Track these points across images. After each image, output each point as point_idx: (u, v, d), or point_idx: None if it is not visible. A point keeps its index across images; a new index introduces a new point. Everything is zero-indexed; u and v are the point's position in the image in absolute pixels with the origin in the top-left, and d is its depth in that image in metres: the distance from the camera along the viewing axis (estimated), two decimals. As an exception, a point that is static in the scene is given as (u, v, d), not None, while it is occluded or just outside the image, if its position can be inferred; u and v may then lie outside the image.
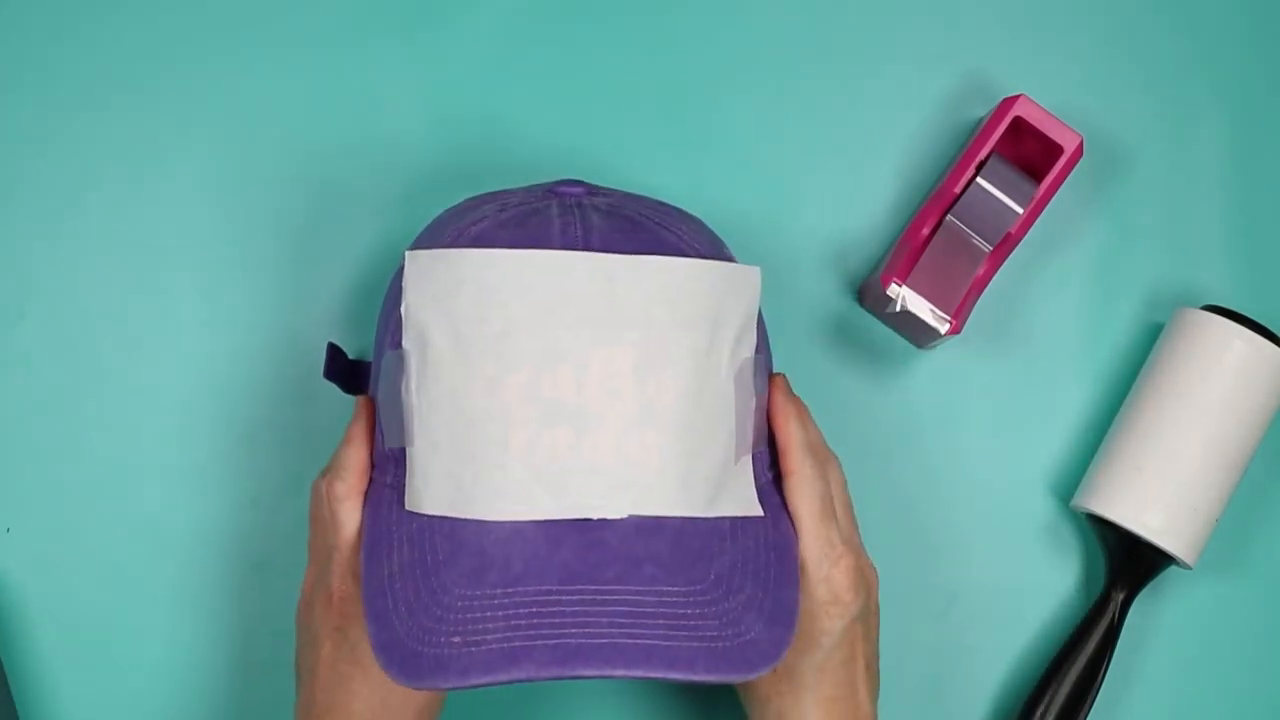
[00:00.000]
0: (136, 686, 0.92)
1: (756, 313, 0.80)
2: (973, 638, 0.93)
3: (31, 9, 0.96)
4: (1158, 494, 0.90)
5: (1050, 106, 0.96)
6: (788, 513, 0.80)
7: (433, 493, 0.76)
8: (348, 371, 0.90)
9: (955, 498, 0.94)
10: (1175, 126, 0.97)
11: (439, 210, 0.95)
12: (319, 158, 0.95)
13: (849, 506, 0.83)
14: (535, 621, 0.72)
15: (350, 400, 0.94)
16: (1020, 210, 0.90)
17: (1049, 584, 0.94)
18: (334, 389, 0.94)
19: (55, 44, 0.96)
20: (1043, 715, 0.90)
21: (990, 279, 0.91)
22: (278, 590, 0.93)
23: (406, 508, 0.76)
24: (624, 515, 0.75)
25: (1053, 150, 0.91)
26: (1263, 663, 0.94)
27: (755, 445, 0.80)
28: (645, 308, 0.76)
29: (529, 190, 0.83)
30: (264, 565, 0.93)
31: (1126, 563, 0.91)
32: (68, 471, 0.93)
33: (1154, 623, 0.94)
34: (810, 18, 0.97)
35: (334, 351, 0.88)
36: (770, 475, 0.81)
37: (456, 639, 0.72)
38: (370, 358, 0.92)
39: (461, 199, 0.95)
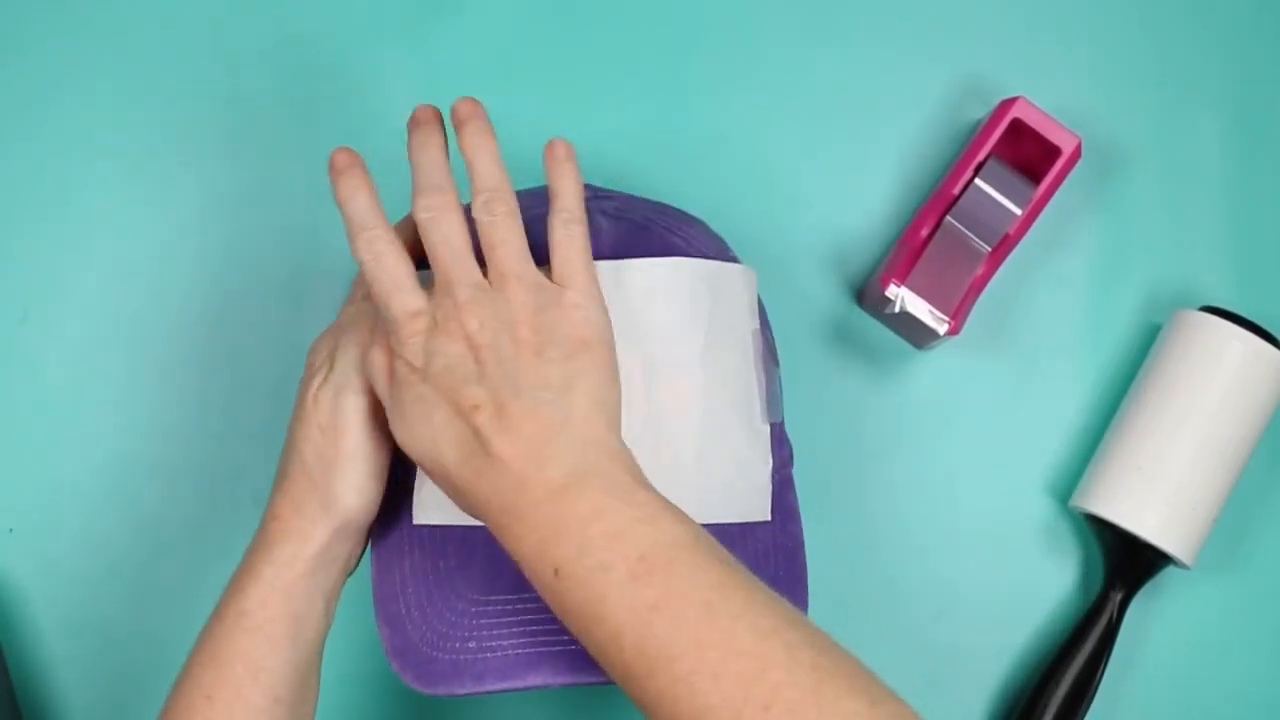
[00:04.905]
0: (137, 686, 0.92)
1: (758, 317, 0.80)
2: (971, 637, 0.93)
3: (46, 10, 0.95)
4: (1156, 493, 0.90)
5: (1049, 107, 0.96)
6: (795, 515, 0.80)
7: (440, 501, 0.75)
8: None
9: (954, 498, 0.94)
10: (1174, 127, 0.97)
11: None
12: (319, 157, 0.95)
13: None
14: (548, 628, 0.72)
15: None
16: (1018, 211, 0.90)
17: (1047, 583, 0.94)
18: (334, 389, 0.94)
19: (57, 45, 0.95)
20: (1041, 714, 0.90)
21: (989, 280, 0.91)
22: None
23: (415, 521, 0.76)
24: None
25: (1051, 152, 0.91)
26: (1261, 662, 0.94)
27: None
28: (652, 313, 0.76)
29: (532, 193, 0.82)
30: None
31: (1124, 562, 0.91)
32: (68, 471, 0.93)
33: (1152, 622, 0.94)
34: (810, 18, 0.97)
35: (335, 350, 0.88)
36: (776, 479, 0.81)
37: (471, 644, 0.72)
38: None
39: (463, 200, 0.95)
